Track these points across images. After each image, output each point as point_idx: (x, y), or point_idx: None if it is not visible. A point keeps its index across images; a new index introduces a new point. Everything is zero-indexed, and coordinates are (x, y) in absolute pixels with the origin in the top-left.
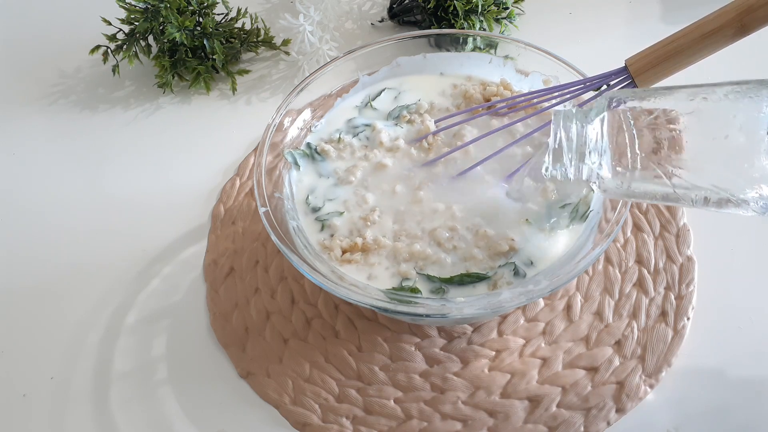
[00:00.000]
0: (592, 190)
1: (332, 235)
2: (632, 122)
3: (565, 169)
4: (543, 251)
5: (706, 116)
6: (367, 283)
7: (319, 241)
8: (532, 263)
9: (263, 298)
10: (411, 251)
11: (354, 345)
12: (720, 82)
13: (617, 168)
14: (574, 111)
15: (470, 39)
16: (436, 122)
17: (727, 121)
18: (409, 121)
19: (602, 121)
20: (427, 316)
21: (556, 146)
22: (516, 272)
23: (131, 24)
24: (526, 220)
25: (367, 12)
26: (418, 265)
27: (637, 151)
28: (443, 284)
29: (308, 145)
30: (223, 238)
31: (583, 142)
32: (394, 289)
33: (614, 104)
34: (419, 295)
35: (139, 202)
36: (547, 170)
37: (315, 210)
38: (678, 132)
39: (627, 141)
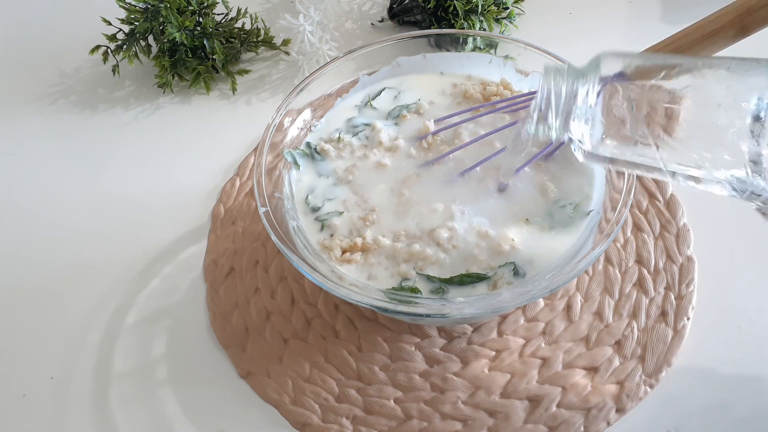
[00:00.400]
0: (589, 192)
1: (332, 235)
2: (627, 90)
3: (549, 128)
4: (543, 251)
5: (699, 90)
6: (366, 283)
7: (319, 241)
8: (532, 263)
9: (263, 298)
10: (411, 251)
11: (354, 345)
12: (718, 57)
13: (604, 137)
14: (566, 68)
15: (470, 39)
16: (435, 122)
17: (718, 97)
18: (409, 121)
19: (593, 83)
20: (427, 316)
21: (543, 104)
22: (516, 272)
23: (131, 24)
24: (526, 220)
25: (367, 12)
26: (418, 266)
27: (629, 120)
28: (443, 284)
29: (308, 144)
30: (223, 238)
31: (571, 101)
32: (393, 289)
33: (609, 71)
34: (419, 295)
35: (139, 202)
36: (530, 126)
37: (314, 210)
38: (670, 103)
39: (620, 109)
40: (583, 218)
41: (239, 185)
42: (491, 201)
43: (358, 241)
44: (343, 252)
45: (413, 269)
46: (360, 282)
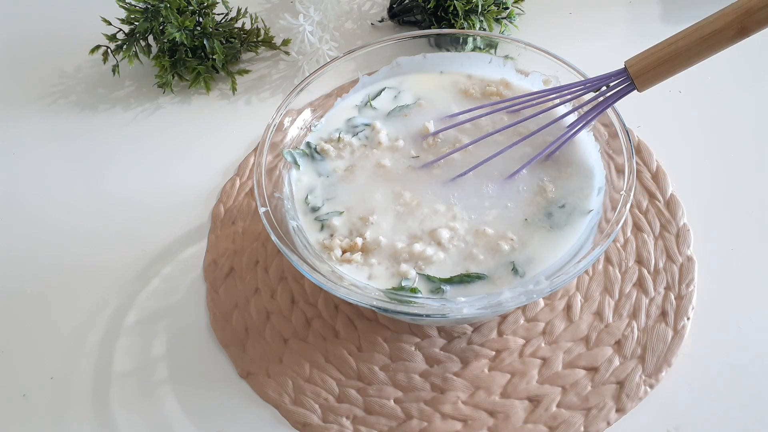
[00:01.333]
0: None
1: (332, 235)
2: None
3: None
4: (543, 251)
5: None
6: (366, 283)
7: (319, 240)
8: (531, 263)
9: (263, 298)
10: (411, 251)
11: (354, 345)
12: None
13: None
14: None
15: (470, 39)
16: (435, 122)
17: None
18: (409, 121)
19: None
20: (427, 316)
21: None
22: (516, 272)
23: (131, 24)
24: (526, 219)
25: (367, 12)
26: (418, 265)
27: None
28: (443, 284)
29: (308, 144)
30: (223, 238)
31: None
32: (393, 289)
33: None
34: (419, 295)
35: (139, 202)
36: None
37: (314, 210)
38: None
39: None
40: (583, 218)
41: (239, 185)
42: (491, 201)
43: (358, 241)
44: (343, 252)
45: (413, 269)
46: (360, 282)
